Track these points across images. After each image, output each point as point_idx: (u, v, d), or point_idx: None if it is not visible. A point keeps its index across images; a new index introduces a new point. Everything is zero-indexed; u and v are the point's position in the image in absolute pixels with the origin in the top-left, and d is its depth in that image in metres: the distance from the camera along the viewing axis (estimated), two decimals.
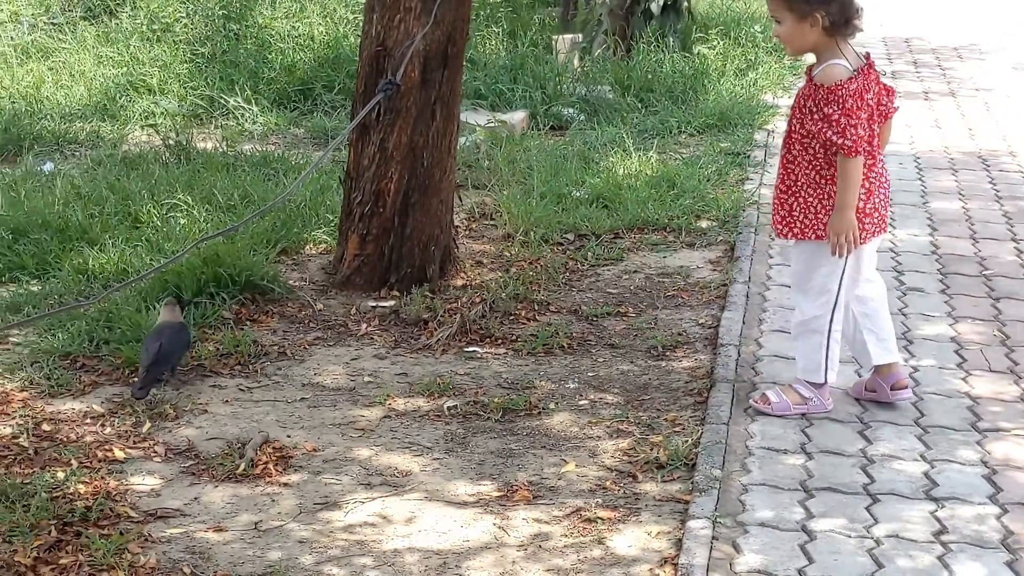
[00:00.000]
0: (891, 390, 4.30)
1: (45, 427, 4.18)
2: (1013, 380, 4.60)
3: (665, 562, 3.43)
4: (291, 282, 5.47)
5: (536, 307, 5.32)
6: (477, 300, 5.27)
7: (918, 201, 6.82)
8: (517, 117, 8.06)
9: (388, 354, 4.88)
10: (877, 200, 4.15)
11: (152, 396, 4.39)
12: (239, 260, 5.28)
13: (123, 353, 4.65)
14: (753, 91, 9.00)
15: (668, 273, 5.76)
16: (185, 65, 8.74)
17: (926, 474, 3.88)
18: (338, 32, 9.24)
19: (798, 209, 4.14)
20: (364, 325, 5.13)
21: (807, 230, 4.13)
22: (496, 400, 4.43)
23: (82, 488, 3.75)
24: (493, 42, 9.45)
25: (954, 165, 7.56)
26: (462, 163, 6.89)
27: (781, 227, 4.19)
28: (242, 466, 3.92)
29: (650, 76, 8.92)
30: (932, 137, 8.26)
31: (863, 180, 4.07)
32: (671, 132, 8.10)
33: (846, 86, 3.96)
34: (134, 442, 4.11)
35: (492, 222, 6.38)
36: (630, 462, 4.01)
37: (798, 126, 4.10)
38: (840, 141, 3.96)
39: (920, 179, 7.25)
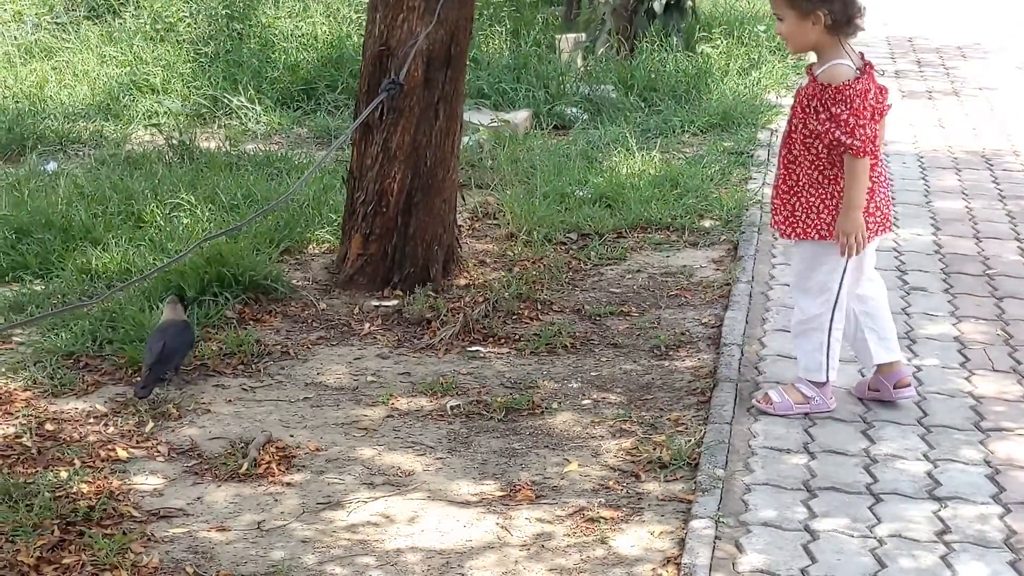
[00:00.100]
0: (894, 388, 4.30)
1: (48, 427, 4.18)
2: (1016, 380, 4.59)
3: (668, 562, 3.43)
4: (294, 281, 5.47)
5: (539, 306, 5.32)
6: (480, 299, 5.27)
7: (921, 200, 6.81)
8: (520, 116, 8.06)
9: (391, 353, 4.88)
10: (879, 199, 4.15)
11: (155, 396, 4.39)
12: (242, 260, 5.28)
13: (126, 353, 4.66)
14: (756, 90, 8.99)
15: (671, 272, 5.76)
16: (188, 64, 8.74)
17: (929, 474, 3.88)
18: (341, 31, 9.25)
19: (800, 209, 4.13)
20: (367, 324, 5.13)
21: (809, 230, 4.12)
22: (499, 399, 4.43)
23: (85, 488, 3.76)
24: (496, 41, 9.45)
25: (957, 164, 7.55)
26: (465, 162, 6.90)
27: (783, 227, 4.19)
28: (245, 466, 3.93)
29: (653, 75, 8.91)
30: (935, 136, 8.25)
31: (867, 181, 4.06)
32: (674, 131, 8.10)
33: (854, 86, 3.96)
34: (137, 442, 4.11)
35: (495, 221, 6.38)
36: (633, 462, 4.01)
37: (800, 126, 4.08)
38: (849, 141, 3.95)
39: (923, 178, 7.24)
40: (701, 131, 8.16)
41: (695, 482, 3.81)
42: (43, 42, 9.45)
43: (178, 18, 9.36)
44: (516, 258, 5.86)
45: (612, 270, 5.80)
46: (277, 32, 9.21)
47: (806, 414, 4.25)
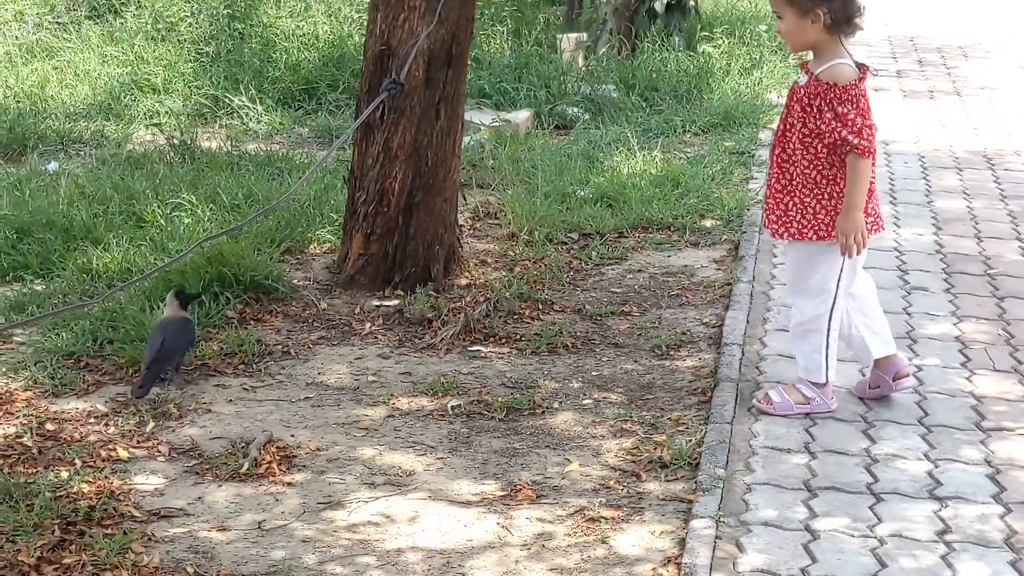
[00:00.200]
0: (893, 380, 4.30)
1: (49, 426, 4.18)
2: (1017, 379, 4.59)
3: (668, 561, 3.43)
4: (295, 281, 5.47)
5: (540, 306, 5.32)
6: (481, 299, 5.27)
7: (923, 200, 6.81)
8: (521, 116, 8.06)
9: (392, 353, 4.88)
10: (874, 199, 4.14)
11: (156, 395, 4.40)
12: (243, 259, 5.28)
13: (127, 352, 4.66)
14: (758, 90, 8.99)
15: (672, 272, 5.75)
16: (190, 64, 8.75)
17: (930, 473, 3.88)
18: (343, 31, 9.25)
19: (794, 209, 4.11)
20: (368, 324, 5.13)
21: (805, 230, 4.10)
22: (500, 399, 4.43)
23: (86, 487, 3.76)
24: (498, 41, 9.45)
25: (959, 164, 7.55)
26: (466, 162, 6.90)
27: (776, 227, 4.16)
28: (246, 465, 3.93)
29: (655, 75, 8.91)
30: (937, 136, 8.24)
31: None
32: (675, 131, 8.10)
33: (859, 86, 3.96)
34: (138, 441, 4.11)
35: (496, 221, 6.38)
36: (634, 461, 4.01)
37: (799, 124, 4.06)
38: (856, 141, 3.94)
39: (925, 178, 7.24)
40: (702, 131, 8.16)
41: (696, 482, 3.81)
42: (44, 42, 9.46)
43: (179, 18, 9.36)
44: (517, 258, 5.86)
45: (613, 270, 5.80)
46: (278, 32, 9.21)
47: (807, 414, 4.25)
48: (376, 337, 5.03)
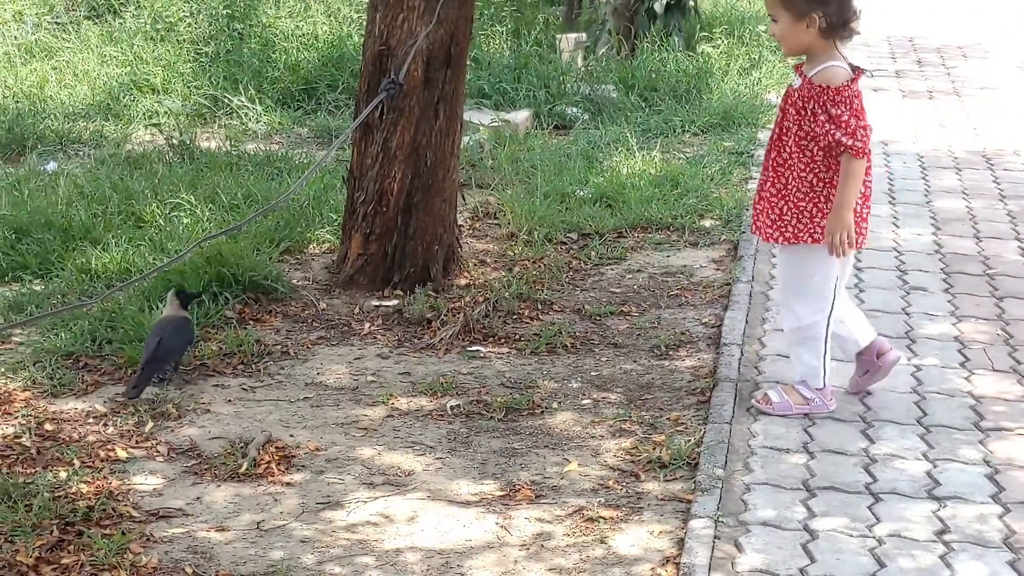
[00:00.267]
0: (878, 358, 4.30)
1: (47, 427, 4.18)
2: (1016, 379, 4.59)
3: (667, 561, 3.43)
4: (294, 281, 5.47)
5: (539, 306, 5.32)
6: (480, 299, 5.27)
7: (922, 200, 6.81)
8: (521, 116, 8.06)
9: (391, 353, 4.88)
10: (864, 209, 4.13)
11: (155, 395, 4.40)
12: (242, 259, 5.28)
13: (126, 352, 4.66)
14: (757, 90, 8.99)
15: (671, 272, 5.75)
16: (189, 64, 8.75)
17: (928, 473, 3.88)
18: (342, 31, 9.25)
19: (789, 213, 4.08)
20: (367, 324, 5.13)
21: (801, 234, 4.08)
22: (499, 399, 4.43)
23: (84, 488, 3.76)
24: (497, 41, 9.45)
25: (958, 164, 7.55)
26: (466, 162, 6.90)
27: (770, 231, 4.12)
28: (244, 465, 3.93)
29: (654, 75, 8.91)
30: (936, 136, 8.24)
31: (863, 187, 4.05)
32: (675, 131, 8.10)
33: (852, 87, 3.95)
34: (136, 441, 4.11)
35: (496, 221, 6.38)
36: (632, 461, 4.01)
37: (795, 128, 4.03)
38: (850, 142, 3.93)
39: (924, 178, 7.24)
40: (702, 131, 8.17)
41: (694, 482, 3.81)
42: (43, 42, 9.46)
43: (178, 18, 9.36)
44: (516, 258, 5.86)
45: (612, 270, 5.80)
46: (278, 32, 9.21)
47: (805, 414, 4.25)
48: (375, 337, 5.03)
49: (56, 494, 3.70)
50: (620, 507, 3.73)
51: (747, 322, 5.03)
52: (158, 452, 4.05)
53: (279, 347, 4.88)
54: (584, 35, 9.75)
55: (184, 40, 9.08)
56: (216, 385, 4.57)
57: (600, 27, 9.87)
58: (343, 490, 3.84)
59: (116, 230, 5.79)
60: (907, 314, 5.18)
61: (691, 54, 9.41)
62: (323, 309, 5.26)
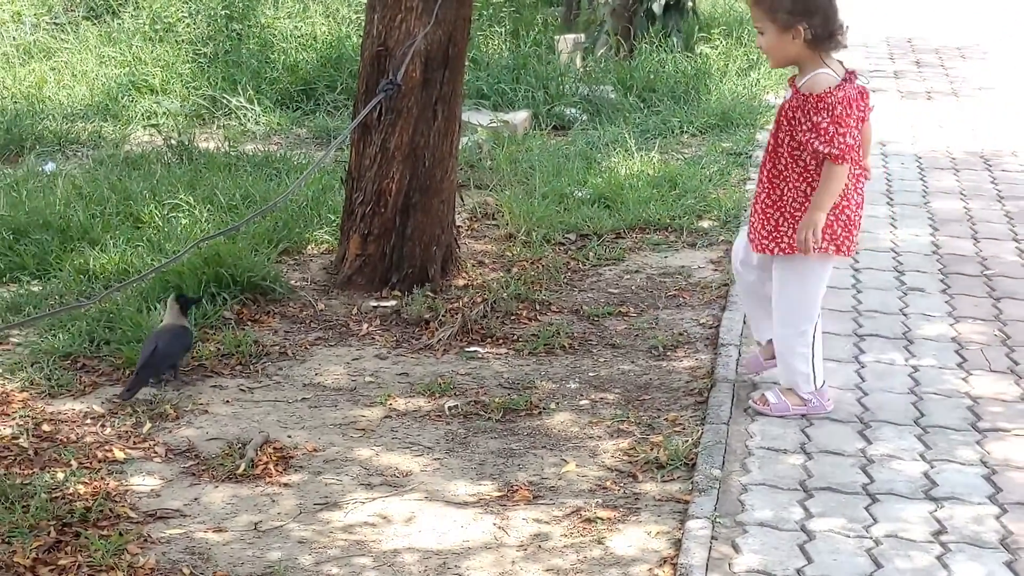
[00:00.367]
0: (765, 360, 4.41)
1: (45, 428, 4.18)
2: (1013, 380, 4.59)
3: (664, 562, 3.44)
4: (292, 282, 5.48)
5: (537, 307, 5.32)
6: (478, 300, 5.28)
7: (919, 201, 6.81)
8: (519, 117, 8.07)
9: (389, 354, 4.88)
10: (861, 211, 4.12)
11: (152, 396, 4.40)
12: (240, 260, 5.28)
13: (124, 353, 4.66)
14: (755, 91, 9.00)
15: (669, 273, 5.76)
16: (187, 65, 8.75)
17: (925, 474, 3.88)
18: (341, 32, 9.25)
19: (784, 224, 4.07)
20: (365, 325, 5.13)
21: (795, 244, 4.08)
22: (497, 400, 4.43)
23: (82, 489, 3.76)
24: (496, 42, 9.45)
25: (956, 165, 7.56)
26: (464, 163, 6.90)
27: (766, 242, 4.10)
28: (242, 466, 3.93)
29: (652, 76, 8.92)
30: (934, 136, 8.25)
31: (854, 192, 4.04)
32: (673, 132, 8.11)
33: (834, 93, 3.93)
34: (134, 442, 4.11)
35: (494, 222, 6.39)
36: (630, 462, 4.02)
37: (787, 139, 4.03)
38: (827, 150, 3.92)
39: (922, 179, 7.24)
40: (700, 132, 8.17)
41: (692, 482, 3.81)
42: (42, 43, 9.46)
43: (177, 18, 9.36)
44: (515, 258, 5.86)
45: (610, 271, 5.81)
46: (276, 32, 9.21)
47: (803, 415, 4.25)
48: (373, 338, 5.03)
49: (53, 495, 3.70)
50: (617, 508, 3.73)
51: (745, 323, 5.03)
52: (156, 453, 4.05)
53: (277, 348, 4.89)
54: (583, 36, 9.76)
55: (183, 41, 9.08)
56: (214, 386, 4.57)
57: (599, 28, 9.88)
58: (341, 491, 3.84)
59: (114, 231, 5.79)
60: (905, 315, 5.18)
61: (689, 55, 9.41)
62: (321, 310, 5.26)
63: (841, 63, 4.07)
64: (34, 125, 7.78)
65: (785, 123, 4.04)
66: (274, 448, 4.07)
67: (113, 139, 7.76)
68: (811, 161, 4.00)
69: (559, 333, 5.00)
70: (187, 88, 8.51)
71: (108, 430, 4.19)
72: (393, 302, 5.31)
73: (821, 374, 4.24)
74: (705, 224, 6.38)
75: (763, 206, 4.12)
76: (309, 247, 5.93)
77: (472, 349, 4.92)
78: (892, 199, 6.83)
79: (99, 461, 3.97)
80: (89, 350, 4.75)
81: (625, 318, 5.24)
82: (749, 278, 4.33)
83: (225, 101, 8.32)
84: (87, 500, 3.68)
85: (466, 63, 5.74)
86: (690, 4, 9.91)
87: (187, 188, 6.31)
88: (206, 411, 4.37)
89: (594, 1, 10.20)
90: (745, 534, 3.52)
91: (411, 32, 5.17)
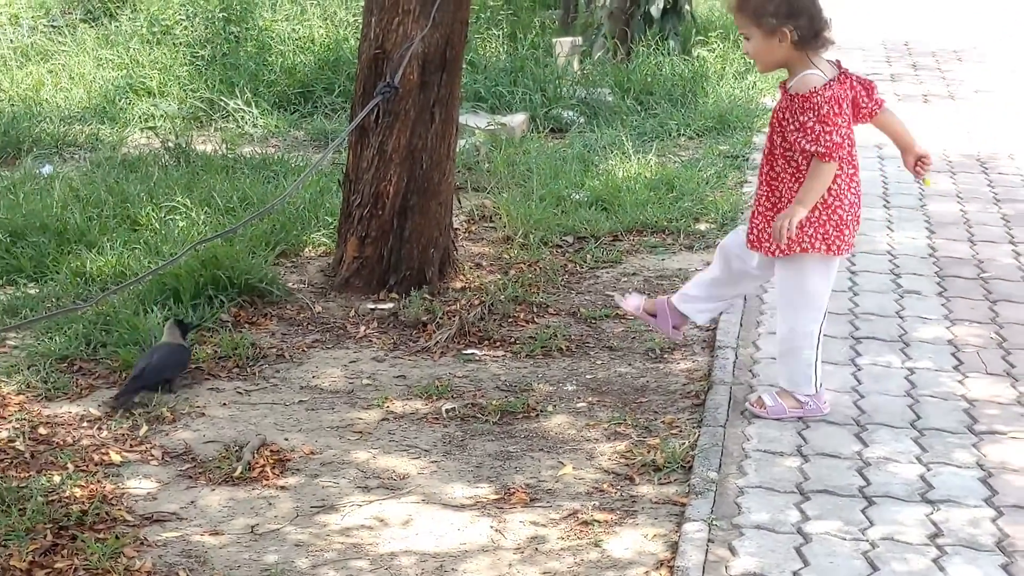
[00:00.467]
0: (672, 328, 4.42)
1: (41, 430, 4.18)
2: (1010, 383, 4.60)
3: (661, 565, 3.44)
4: (290, 284, 5.48)
5: (535, 309, 5.32)
6: (476, 302, 5.28)
7: (916, 204, 6.82)
8: (517, 120, 8.07)
9: (387, 356, 4.88)
10: (857, 211, 4.12)
11: (149, 399, 4.39)
12: (238, 263, 5.28)
13: (120, 356, 4.66)
14: (752, 94, 9.01)
15: (667, 275, 5.76)
16: (185, 67, 8.75)
17: (922, 477, 3.88)
18: (338, 34, 9.25)
19: None
20: (363, 327, 5.13)
21: (795, 244, 4.07)
22: (494, 402, 4.44)
23: (78, 492, 3.76)
24: (493, 45, 9.46)
25: (952, 168, 7.56)
26: (462, 165, 6.90)
27: (768, 245, 4.10)
28: (239, 469, 3.93)
29: (650, 79, 8.92)
30: (931, 139, 8.23)
31: (848, 191, 4.04)
32: (670, 135, 8.11)
33: (821, 92, 3.93)
34: (131, 445, 4.11)
35: (491, 224, 6.39)
36: (627, 464, 4.02)
37: (780, 140, 4.04)
38: (814, 148, 3.92)
39: (918, 181, 7.22)
40: (697, 134, 8.18)
41: (689, 485, 3.81)
42: (39, 45, 9.46)
43: (175, 21, 9.36)
44: (512, 261, 5.86)
45: (608, 273, 5.81)
46: (274, 35, 9.21)
47: (799, 418, 4.25)
48: (371, 340, 5.03)
49: (50, 498, 3.70)
50: (614, 510, 3.74)
51: (741, 325, 5.04)
52: (152, 456, 4.05)
53: (274, 350, 4.89)
54: (580, 39, 9.76)
55: (180, 43, 9.08)
56: (211, 388, 4.57)
57: (596, 31, 9.88)
58: (337, 493, 3.84)
59: (111, 233, 5.79)
60: (901, 317, 5.19)
61: (687, 58, 9.42)
62: (318, 312, 5.26)
63: (833, 62, 4.06)
64: (31, 128, 7.78)
65: (777, 125, 4.05)
66: (271, 451, 4.07)
67: (110, 141, 7.76)
68: (803, 161, 4.00)
69: (556, 335, 5.00)
70: (184, 90, 8.51)
71: (104, 433, 4.19)
72: (390, 304, 5.31)
73: (820, 376, 4.25)
74: (702, 227, 6.38)
75: (763, 208, 4.13)
76: (306, 249, 5.93)
77: (469, 351, 4.92)
78: (889, 202, 6.83)
79: (95, 464, 3.97)
80: (86, 353, 4.75)
81: (622, 320, 5.24)
82: (736, 264, 4.29)
83: (223, 103, 8.32)
84: (83, 503, 3.68)
85: (463, 66, 5.74)
86: (687, 7, 9.91)
87: (184, 190, 6.31)
88: (203, 414, 4.37)
89: (592, 4, 10.21)
90: (741, 537, 3.53)
91: (408, 35, 5.17)
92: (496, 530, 3.64)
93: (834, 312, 5.13)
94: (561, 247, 6.10)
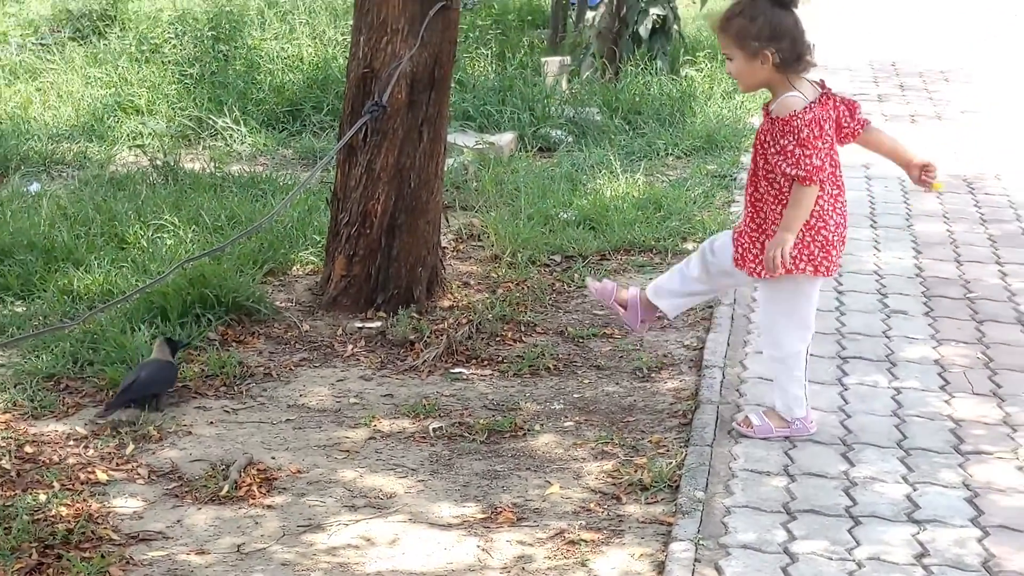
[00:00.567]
0: (640, 321, 4.45)
1: (28, 449, 4.17)
2: (996, 403, 4.61)
3: None
4: (277, 303, 5.47)
5: (522, 328, 5.32)
6: (464, 321, 5.28)
7: (903, 223, 6.84)
8: (505, 139, 8.09)
9: (374, 375, 4.88)
10: (843, 232, 4.13)
11: (136, 417, 4.38)
12: (225, 281, 5.28)
13: (107, 375, 4.65)
14: (740, 113, 9.04)
15: None
16: (174, 86, 8.76)
17: (908, 496, 3.89)
18: (327, 53, 9.28)
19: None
20: (350, 346, 5.13)
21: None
22: (481, 421, 4.43)
23: (64, 510, 3.74)
24: (482, 64, 9.49)
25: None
26: (450, 184, 6.92)
27: (754, 266, 4.12)
28: (225, 488, 3.92)
29: (638, 98, 8.96)
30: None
31: (833, 212, 4.06)
32: (658, 154, 8.13)
33: (801, 116, 3.94)
34: (117, 464, 4.10)
35: (479, 243, 6.39)
36: (614, 484, 4.02)
37: (762, 162, 4.06)
38: (794, 172, 3.93)
39: (905, 201, 7.27)
40: (685, 154, 8.20)
41: (676, 504, 3.81)
42: (28, 63, 9.46)
43: (163, 39, 9.38)
44: (500, 280, 5.87)
45: None
46: (263, 54, 9.23)
47: (786, 437, 4.26)
48: (358, 359, 5.03)
49: (36, 517, 3.69)
50: (601, 530, 3.73)
51: (729, 345, 5.05)
52: (139, 475, 4.04)
53: (262, 369, 4.88)
54: (569, 58, 9.80)
55: (169, 62, 9.09)
56: (198, 407, 4.56)
57: (585, 50, 9.92)
58: (324, 513, 3.83)
59: (99, 251, 5.78)
60: (888, 337, 5.20)
61: (675, 78, 9.46)
62: (306, 331, 5.26)
63: (816, 83, 4.07)
64: (19, 145, 7.77)
65: (760, 148, 4.06)
66: (258, 470, 4.06)
67: (98, 160, 7.75)
68: (785, 184, 4.01)
69: (544, 355, 5.00)
70: (173, 109, 8.52)
71: (91, 451, 4.18)
72: (378, 323, 5.31)
73: (808, 396, 4.26)
74: (690, 246, 6.39)
75: (749, 229, 4.14)
76: (294, 268, 5.93)
77: (457, 370, 4.92)
78: (875, 222, 6.86)
79: (82, 483, 3.95)
80: (73, 371, 4.74)
81: (610, 340, 5.24)
82: (714, 269, 4.28)
83: (211, 122, 8.33)
84: (69, 522, 3.67)
85: (452, 85, 5.75)
86: (675, 27, 9.96)
87: (172, 209, 6.31)
88: (190, 432, 4.36)
89: (580, 24, 10.25)
90: (728, 556, 3.53)
91: (397, 54, 5.18)
92: (483, 549, 3.63)
93: (821, 332, 5.14)
94: (549, 266, 6.11)
